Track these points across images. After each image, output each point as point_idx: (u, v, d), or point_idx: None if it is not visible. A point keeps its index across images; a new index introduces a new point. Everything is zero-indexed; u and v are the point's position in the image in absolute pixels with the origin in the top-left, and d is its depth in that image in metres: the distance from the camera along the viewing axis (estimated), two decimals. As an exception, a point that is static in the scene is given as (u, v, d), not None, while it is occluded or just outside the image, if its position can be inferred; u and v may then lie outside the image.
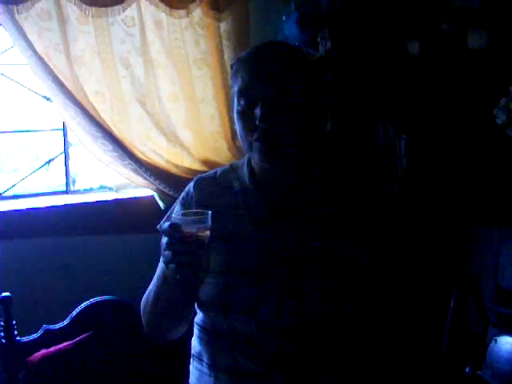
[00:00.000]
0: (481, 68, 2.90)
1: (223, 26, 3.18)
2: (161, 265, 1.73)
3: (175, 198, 1.98)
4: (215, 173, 1.89)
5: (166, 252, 1.55)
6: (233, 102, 1.75)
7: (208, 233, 1.55)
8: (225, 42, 3.19)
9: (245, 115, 1.69)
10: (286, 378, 1.68)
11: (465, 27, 2.91)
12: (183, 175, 3.06)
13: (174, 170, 3.09)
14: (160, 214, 2.24)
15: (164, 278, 1.72)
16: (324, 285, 1.68)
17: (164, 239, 1.56)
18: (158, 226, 1.86)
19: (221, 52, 3.17)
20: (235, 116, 1.72)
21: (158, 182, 3.02)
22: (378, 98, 3.20)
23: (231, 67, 1.78)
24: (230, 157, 3.19)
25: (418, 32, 3.08)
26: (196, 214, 1.60)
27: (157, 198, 3.12)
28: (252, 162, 1.80)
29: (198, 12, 3.10)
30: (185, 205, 1.83)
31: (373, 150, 3.24)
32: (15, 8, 2.67)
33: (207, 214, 1.56)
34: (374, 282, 1.79)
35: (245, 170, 1.81)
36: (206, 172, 1.95)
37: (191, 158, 3.14)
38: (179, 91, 3.08)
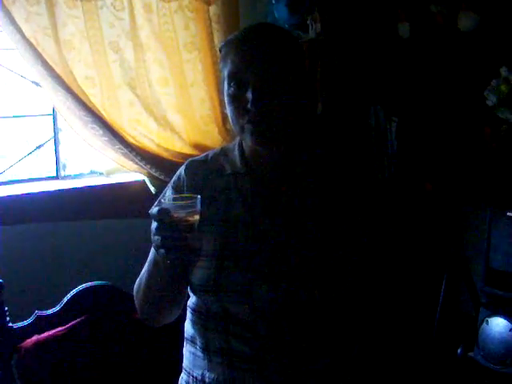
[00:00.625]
0: (471, 50, 2.90)
1: (213, 9, 3.17)
2: (152, 249, 1.72)
3: (166, 183, 1.97)
4: (206, 156, 1.88)
5: (156, 237, 1.55)
6: (223, 85, 1.74)
7: (197, 217, 1.55)
8: (214, 26, 3.18)
9: (236, 98, 1.69)
10: (279, 360, 1.69)
11: (455, 9, 2.91)
12: (174, 159, 3.05)
13: (164, 154, 3.08)
14: (151, 198, 2.25)
15: (155, 263, 1.71)
16: (316, 267, 1.68)
17: (153, 224, 1.56)
18: (149, 211, 1.87)
19: (210, 35, 3.16)
20: (226, 99, 1.72)
21: (148, 166, 3.02)
22: (368, 80, 3.20)
23: (220, 50, 1.78)
24: (220, 140, 3.18)
25: (408, 14, 3.07)
26: (185, 198, 1.60)
27: (147, 183, 3.12)
28: (243, 145, 1.80)
29: (187, -5, 3.08)
30: (176, 189, 1.83)
31: (364, 132, 3.24)
32: (3, -8, 2.65)
33: (196, 198, 1.56)
34: (364, 265, 1.80)
35: (236, 153, 1.81)
36: (196, 156, 1.94)
37: (182, 142, 3.13)
38: (169, 75, 3.07)
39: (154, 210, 1.54)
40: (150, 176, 3.08)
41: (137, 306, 1.86)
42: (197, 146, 3.15)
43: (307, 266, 1.68)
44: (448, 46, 2.97)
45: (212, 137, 3.21)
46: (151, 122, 3.05)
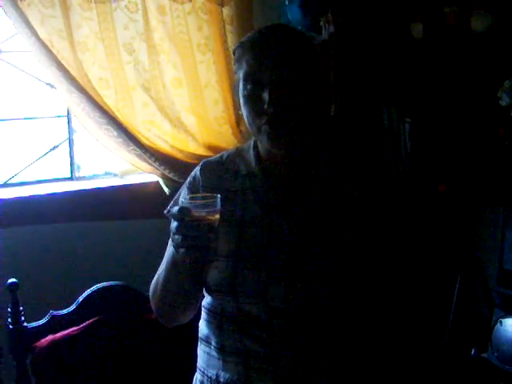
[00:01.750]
0: (484, 50, 2.89)
1: (226, 10, 3.17)
2: (170, 249, 1.72)
3: (180, 184, 1.98)
4: (221, 157, 1.89)
5: (176, 236, 1.54)
6: (238, 86, 1.75)
7: (218, 216, 1.55)
8: (228, 27, 3.19)
9: (252, 99, 1.69)
10: (294, 360, 1.69)
11: (468, 9, 2.90)
12: (188, 160, 3.06)
13: (178, 155, 3.09)
14: (165, 199, 2.26)
15: (173, 263, 1.71)
16: (331, 267, 1.69)
17: (173, 224, 1.55)
18: (165, 211, 1.88)
19: (224, 37, 3.17)
20: (242, 100, 1.72)
21: (162, 167, 3.03)
22: (381, 81, 3.20)
23: (233, 52, 1.78)
24: (234, 141, 3.19)
25: (422, 15, 3.07)
26: (204, 197, 1.59)
27: (162, 184, 3.13)
28: (258, 145, 1.80)
29: (200, -3, 3.10)
30: (191, 189, 1.84)
31: (377, 133, 3.23)
32: (18, -5, 2.67)
33: (216, 197, 1.56)
34: (378, 266, 1.80)
35: (251, 153, 1.81)
36: (210, 157, 1.95)
37: (195, 143, 3.14)
38: (183, 76, 3.08)
39: (175, 209, 1.54)
40: (164, 177, 3.09)
41: (153, 306, 1.87)
42: (210, 147, 3.16)
43: (323, 266, 1.69)
44: (461, 46, 2.96)
45: (226, 138, 3.21)
46: (165, 124, 3.06)
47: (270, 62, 1.66)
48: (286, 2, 3.24)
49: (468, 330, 2.93)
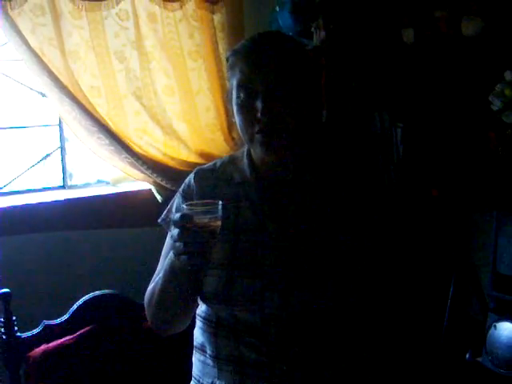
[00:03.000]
0: (475, 55, 2.90)
1: (217, 17, 3.18)
2: (169, 257, 1.70)
3: (172, 191, 1.97)
4: (214, 164, 1.88)
5: (177, 244, 1.54)
6: (231, 94, 1.74)
7: (219, 222, 1.55)
8: (219, 34, 3.19)
9: (245, 108, 1.69)
10: (289, 367, 1.69)
11: (458, 14, 2.91)
12: (180, 168, 3.06)
13: (170, 162, 3.09)
14: (158, 207, 2.25)
15: (171, 271, 1.69)
16: (327, 274, 1.68)
17: (175, 231, 1.55)
18: (159, 220, 1.87)
19: (215, 44, 3.17)
20: (235, 109, 1.72)
21: (155, 175, 3.02)
22: (373, 86, 3.20)
23: (227, 60, 1.78)
24: (226, 148, 3.19)
25: (412, 20, 3.08)
26: (205, 204, 1.59)
27: (154, 192, 3.12)
28: (252, 153, 1.80)
29: (191, 4, 3.10)
30: (185, 197, 1.82)
31: (369, 139, 3.24)
32: (8, 4, 2.66)
33: (218, 203, 1.56)
34: (372, 271, 1.80)
35: (244, 161, 1.81)
36: (202, 164, 1.95)
37: (188, 151, 3.14)
38: (174, 84, 3.08)
39: (176, 215, 1.54)
40: (157, 185, 3.09)
41: (148, 314, 1.85)
42: (202, 155, 3.16)
43: (318, 273, 1.69)
44: (452, 51, 2.97)
45: (218, 145, 3.21)
46: (157, 131, 3.06)
47: (264, 71, 1.66)
48: (277, 9, 3.24)
49: (462, 335, 2.93)
